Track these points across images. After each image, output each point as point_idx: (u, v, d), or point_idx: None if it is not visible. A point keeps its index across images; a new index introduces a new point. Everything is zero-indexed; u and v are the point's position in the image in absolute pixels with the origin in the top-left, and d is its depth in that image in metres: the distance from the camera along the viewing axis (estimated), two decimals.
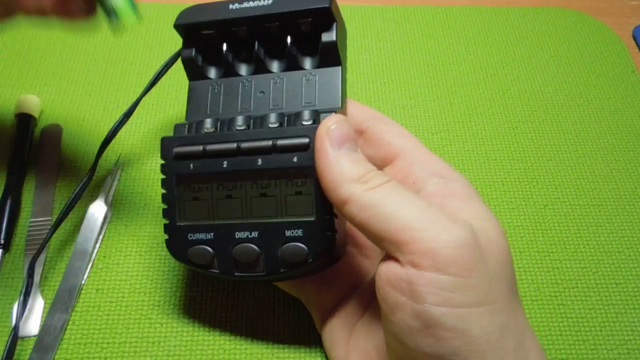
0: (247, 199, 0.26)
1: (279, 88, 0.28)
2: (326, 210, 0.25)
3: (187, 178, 0.27)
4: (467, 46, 0.45)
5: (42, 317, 0.31)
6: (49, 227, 0.34)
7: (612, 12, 0.49)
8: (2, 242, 0.33)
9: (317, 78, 0.28)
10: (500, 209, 0.36)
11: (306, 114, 0.26)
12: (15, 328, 0.29)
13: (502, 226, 0.35)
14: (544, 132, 0.40)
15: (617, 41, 0.46)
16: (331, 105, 0.27)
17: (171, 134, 0.28)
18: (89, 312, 0.31)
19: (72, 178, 0.36)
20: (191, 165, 0.27)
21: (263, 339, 0.31)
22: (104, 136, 0.33)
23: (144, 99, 0.33)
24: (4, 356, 0.28)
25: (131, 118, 0.33)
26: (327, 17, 0.27)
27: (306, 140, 0.25)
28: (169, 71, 0.32)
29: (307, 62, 0.28)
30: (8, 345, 0.28)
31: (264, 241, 0.26)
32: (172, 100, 0.41)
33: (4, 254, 0.33)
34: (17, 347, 0.30)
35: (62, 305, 0.31)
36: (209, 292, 0.32)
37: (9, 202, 0.34)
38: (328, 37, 0.27)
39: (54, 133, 0.38)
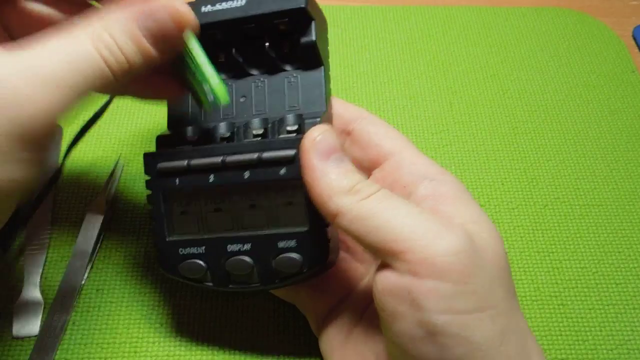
0: (237, 212, 0.26)
1: (260, 92, 0.27)
2: (318, 219, 0.24)
3: (173, 193, 0.26)
4: (467, 46, 0.45)
5: (42, 317, 0.31)
6: (49, 227, 0.34)
7: (612, 12, 0.49)
8: (2, 242, 0.33)
9: (299, 80, 0.27)
10: (500, 209, 0.36)
11: (290, 119, 0.26)
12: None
13: (502, 226, 0.36)
14: (544, 132, 0.40)
15: (617, 41, 0.46)
16: (315, 108, 0.26)
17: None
18: (89, 312, 0.31)
19: (72, 178, 0.36)
20: (177, 180, 0.26)
21: (263, 339, 0.31)
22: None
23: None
24: None
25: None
26: (304, 17, 0.26)
27: (292, 152, 0.24)
28: None
29: (288, 64, 0.27)
30: None
31: (257, 253, 0.26)
32: None
33: (3, 254, 0.33)
34: (17, 348, 0.30)
35: (62, 305, 0.31)
36: (209, 293, 0.32)
37: None
38: (307, 38, 0.26)
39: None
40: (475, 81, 0.43)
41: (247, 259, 0.25)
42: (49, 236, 0.33)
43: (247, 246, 0.26)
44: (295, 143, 0.24)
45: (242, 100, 0.28)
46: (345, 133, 0.28)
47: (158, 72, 0.24)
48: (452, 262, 0.21)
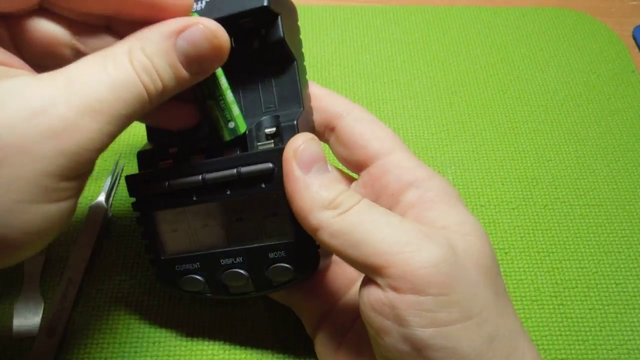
0: (225, 226, 0.26)
1: (236, 95, 0.26)
2: (304, 230, 0.24)
3: (161, 213, 0.26)
4: (467, 46, 0.45)
5: (42, 317, 0.31)
6: None
7: (612, 12, 0.49)
8: None
9: (272, 78, 0.26)
10: (500, 209, 0.36)
11: (267, 122, 0.25)
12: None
13: (502, 226, 0.35)
14: (544, 132, 0.40)
15: (617, 41, 0.46)
16: (292, 107, 0.26)
17: None
18: (89, 312, 0.31)
19: None
20: (161, 202, 0.26)
21: (263, 339, 0.31)
22: None
23: None
24: None
25: None
26: (268, 15, 0.25)
27: (270, 165, 0.24)
28: None
29: (260, 62, 0.27)
30: None
31: (250, 265, 0.26)
32: None
33: None
34: (17, 348, 0.30)
35: (62, 305, 0.31)
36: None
37: None
38: (274, 35, 0.25)
39: None
40: (475, 81, 0.43)
41: (241, 271, 0.26)
42: None
43: (239, 259, 0.26)
44: (274, 154, 0.24)
45: None
46: (329, 129, 0.27)
47: (176, 97, 0.23)
48: (432, 274, 0.20)
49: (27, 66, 0.21)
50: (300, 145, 0.23)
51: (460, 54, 0.45)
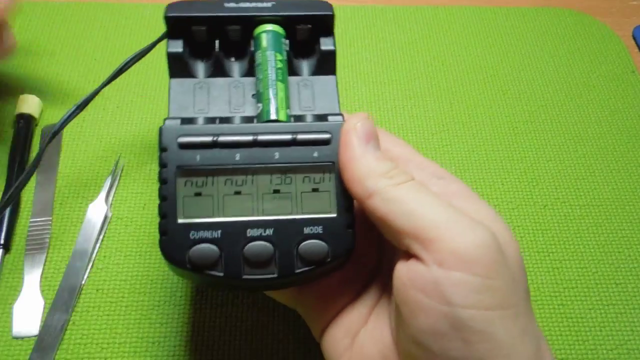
0: (259, 196, 0.24)
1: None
2: (348, 207, 0.24)
3: (191, 171, 0.24)
4: (467, 46, 0.45)
5: (42, 317, 0.31)
6: (49, 227, 0.34)
7: (612, 12, 0.49)
8: (3, 242, 0.33)
9: (312, 84, 0.27)
10: (500, 209, 0.36)
11: (309, 117, 0.26)
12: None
13: None
14: (544, 132, 0.40)
15: (617, 41, 0.46)
16: (330, 111, 0.26)
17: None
18: (89, 312, 0.31)
19: (72, 178, 0.36)
20: (197, 156, 0.24)
21: (262, 339, 0.31)
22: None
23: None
24: None
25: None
26: (329, 25, 0.26)
27: (328, 135, 0.24)
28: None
29: (304, 69, 0.28)
30: None
31: (280, 239, 0.24)
32: None
33: (4, 254, 0.33)
34: (17, 348, 0.30)
35: (62, 305, 0.31)
36: (209, 292, 0.32)
37: None
38: (328, 45, 0.27)
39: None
40: (475, 81, 0.43)
41: (268, 244, 0.24)
42: (49, 236, 0.33)
43: (269, 231, 0.24)
44: (333, 127, 0.24)
45: (252, 98, 0.27)
46: None
47: None
48: (481, 255, 0.20)
49: None
50: (359, 121, 0.24)
51: (460, 54, 0.45)
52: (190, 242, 0.24)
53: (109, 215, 0.35)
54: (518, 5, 0.49)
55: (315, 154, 0.24)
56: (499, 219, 0.24)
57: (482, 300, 0.20)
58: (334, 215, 0.24)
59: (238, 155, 0.24)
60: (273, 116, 0.25)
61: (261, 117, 0.26)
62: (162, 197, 0.24)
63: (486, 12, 0.48)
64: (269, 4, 0.27)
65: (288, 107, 0.26)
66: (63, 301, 0.31)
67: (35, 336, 0.30)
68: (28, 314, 0.31)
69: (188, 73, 0.28)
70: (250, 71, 0.27)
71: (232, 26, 0.27)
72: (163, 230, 0.24)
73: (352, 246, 0.24)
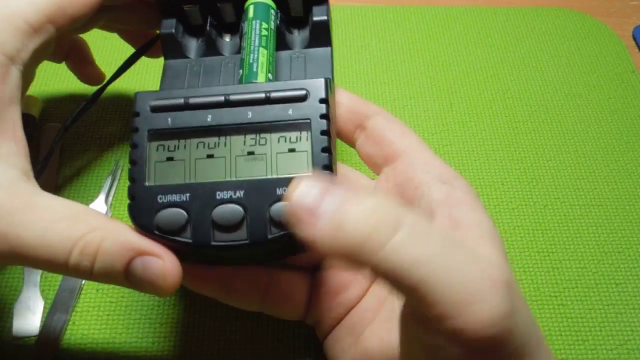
0: (232, 159, 0.23)
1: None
2: (325, 165, 0.23)
3: (162, 134, 0.23)
4: (467, 46, 0.45)
5: (42, 317, 0.31)
6: None
7: (612, 12, 0.49)
8: None
9: (305, 58, 0.26)
10: (500, 209, 0.36)
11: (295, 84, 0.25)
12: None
13: (502, 226, 0.35)
14: (544, 132, 0.40)
15: (617, 41, 0.46)
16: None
17: None
18: (89, 312, 0.31)
19: (72, 178, 0.36)
20: (169, 119, 0.23)
21: (263, 339, 0.31)
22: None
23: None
24: None
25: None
26: None
27: (304, 92, 0.23)
28: None
29: (296, 42, 0.27)
30: None
31: (251, 201, 0.22)
32: None
33: None
34: (17, 348, 0.30)
35: (62, 305, 0.31)
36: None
37: None
38: (320, 15, 0.26)
39: (54, 133, 0.38)
40: (475, 81, 0.43)
41: (238, 206, 0.22)
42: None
43: (239, 193, 0.23)
44: (307, 84, 0.23)
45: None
46: (361, 128, 0.27)
47: None
48: (495, 334, 0.18)
49: None
50: (303, 186, 0.20)
51: (460, 54, 0.45)
52: (158, 206, 0.23)
53: (109, 215, 0.35)
54: (518, 5, 0.49)
55: (290, 112, 0.23)
56: (496, 235, 0.23)
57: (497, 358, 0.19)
58: (309, 174, 0.23)
59: (210, 117, 0.23)
60: (252, 80, 0.24)
61: (241, 81, 0.25)
62: (132, 162, 0.24)
63: (486, 12, 0.48)
64: None
65: (271, 71, 0.25)
66: (63, 301, 0.31)
67: (35, 336, 0.30)
68: (28, 314, 0.31)
69: (182, 54, 0.27)
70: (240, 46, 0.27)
71: (225, 3, 0.27)
72: (131, 195, 0.23)
73: None
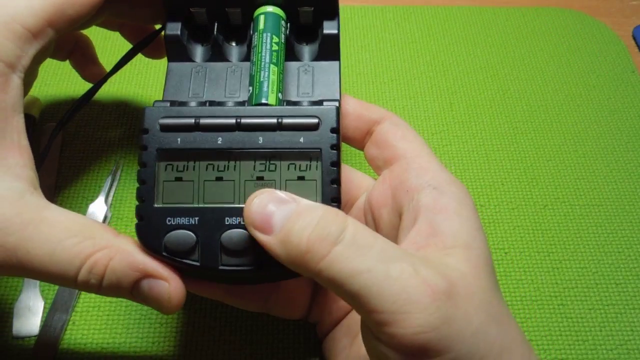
0: (241, 183, 0.23)
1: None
2: (334, 197, 0.23)
3: (171, 153, 0.23)
4: (467, 46, 0.45)
5: (42, 317, 0.31)
6: None
7: (612, 12, 0.49)
8: None
9: (314, 70, 0.26)
10: (500, 209, 0.36)
11: (304, 104, 0.25)
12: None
13: (502, 226, 0.35)
14: (544, 132, 0.40)
15: (617, 41, 0.46)
16: (329, 97, 0.26)
17: None
18: (89, 312, 0.31)
19: (72, 178, 0.36)
20: (179, 139, 0.23)
21: (263, 339, 0.31)
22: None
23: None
24: None
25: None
26: (332, 8, 0.25)
27: (316, 120, 0.23)
28: None
29: (304, 54, 0.27)
30: None
31: None
32: None
33: None
34: (17, 348, 0.30)
35: (62, 305, 0.31)
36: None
37: None
38: (331, 29, 0.26)
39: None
40: (475, 81, 0.43)
41: (246, 232, 0.23)
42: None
43: None
44: (320, 111, 0.23)
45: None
46: (369, 133, 0.27)
47: None
48: (427, 340, 0.19)
49: None
50: (256, 200, 0.21)
51: (460, 54, 0.45)
52: (166, 228, 0.23)
53: (109, 215, 0.35)
54: (518, 5, 0.49)
55: (302, 140, 0.23)
56: (478, 240, 0.22)
57: None
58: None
59: (220, 139, 0.23)
60: (263, 100, 0.24)
61: (251, 100, 0.25)
62: (141, 181, 0.24)
63: (486, 12, 0.48)
64: None
65: (280, 90, 0.25)
66: (63, 301, 0.31)
67: (35, 336, 0.30)
68: (28, 314, 0.31)
69: (187, 57, 0.27)
70: (249, 55, 0.27)
71: (233, 9, 0.26)
72: (140, 215, 0.23)
73: None
